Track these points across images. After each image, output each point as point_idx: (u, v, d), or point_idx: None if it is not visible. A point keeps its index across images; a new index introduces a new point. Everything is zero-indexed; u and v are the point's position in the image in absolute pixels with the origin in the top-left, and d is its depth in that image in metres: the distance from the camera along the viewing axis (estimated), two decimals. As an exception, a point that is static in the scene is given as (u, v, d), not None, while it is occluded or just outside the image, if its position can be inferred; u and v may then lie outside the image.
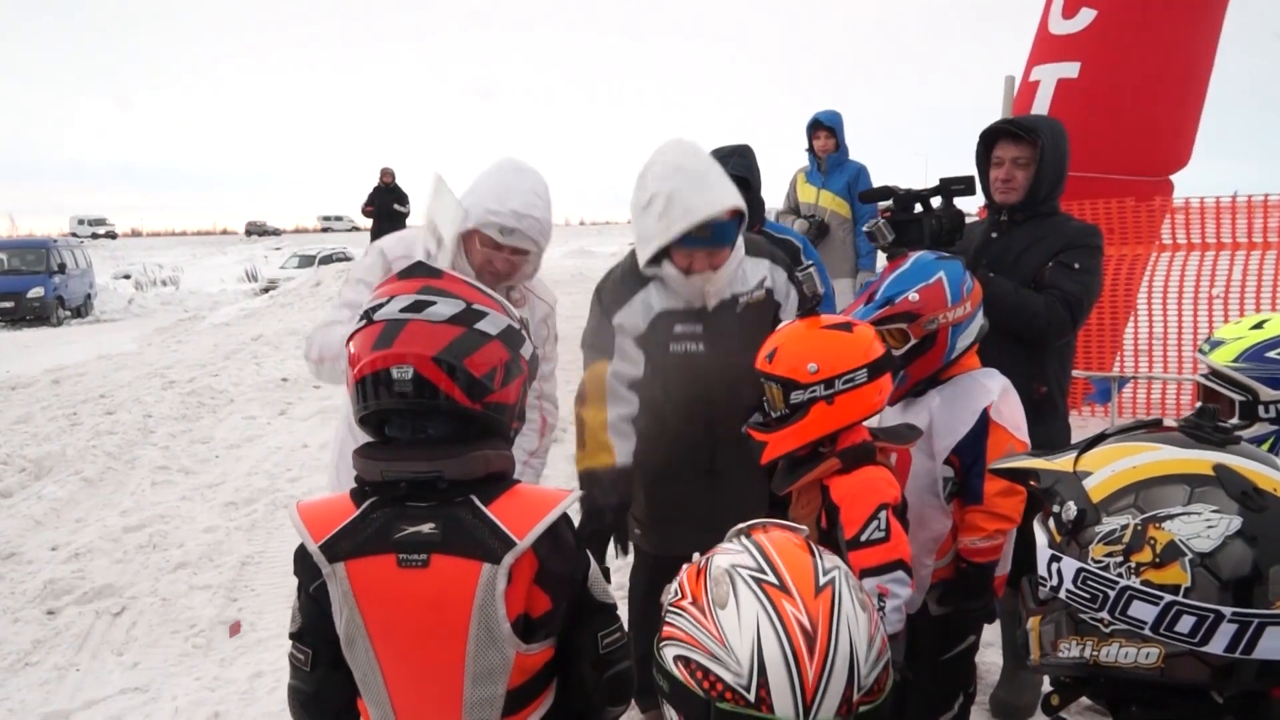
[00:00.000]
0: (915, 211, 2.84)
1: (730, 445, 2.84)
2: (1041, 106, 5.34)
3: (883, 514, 2.05)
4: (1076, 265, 2.94)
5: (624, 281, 2.80)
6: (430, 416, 1.53)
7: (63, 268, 21.06)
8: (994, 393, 2.46)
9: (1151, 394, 6.50)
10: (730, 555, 1.22)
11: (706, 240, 2.61)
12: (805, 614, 1.11)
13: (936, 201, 2.83)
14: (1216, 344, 2.18)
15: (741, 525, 1.31)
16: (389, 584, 1.47)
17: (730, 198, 2.61)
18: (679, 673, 1.14)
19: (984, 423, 2.43)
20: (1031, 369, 2.96)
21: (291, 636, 1.59)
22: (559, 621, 1.54)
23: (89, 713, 3.76)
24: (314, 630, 1.54)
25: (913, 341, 2.48)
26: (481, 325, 1.53)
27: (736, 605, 1.12)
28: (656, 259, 2.68)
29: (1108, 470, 1.15)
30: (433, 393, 1.48)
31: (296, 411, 7.83)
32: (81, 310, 21.65)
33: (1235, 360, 2.11)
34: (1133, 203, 5.72)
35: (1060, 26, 5.59)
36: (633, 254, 2.83)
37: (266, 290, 21.70)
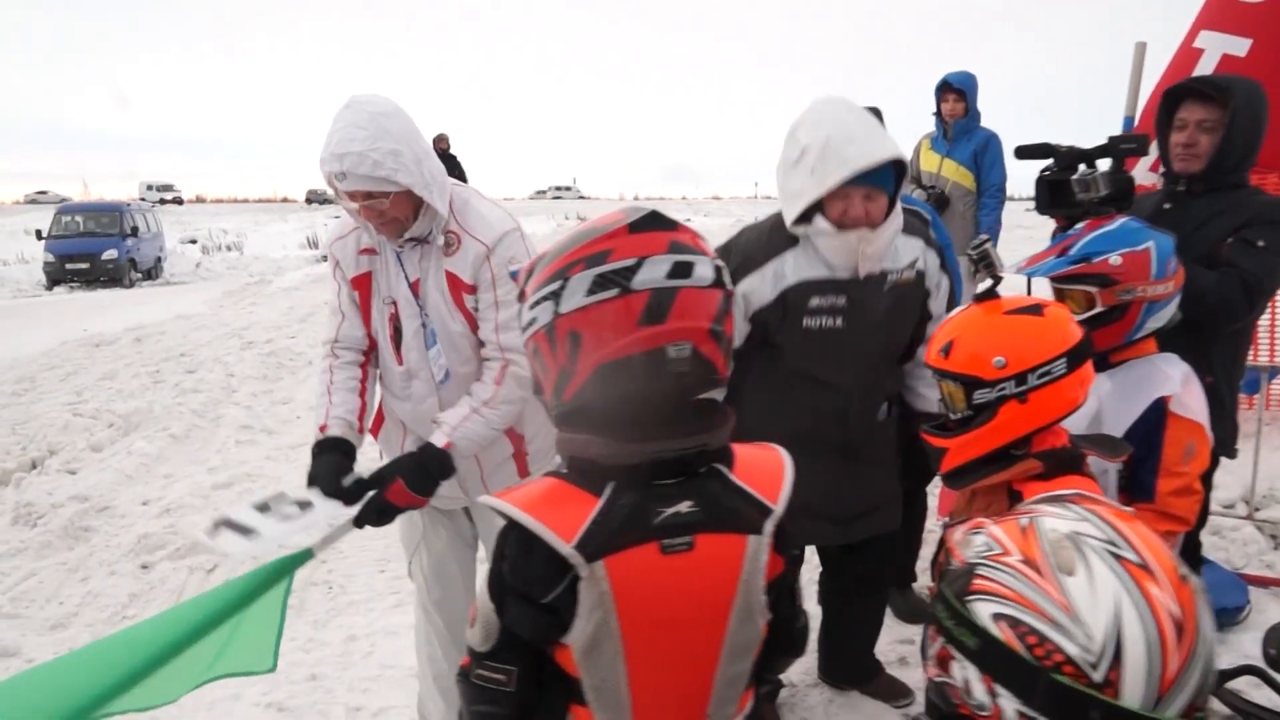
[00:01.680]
0: (1078, 172, 2.64)
1: (862, 436, 2.74)
2: (1200, 75, 4.99)
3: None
4: (1261, 243, 2.65)
5: (757, 244, 2.62)
6: (692, 388, 1.37)
7: (135, 231, 21.45)
8: (1175, 381, 2.24)
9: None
10: (1066, 520, 1.11)
11: (864, 178, 2.40)
12: (1174, 602, 1.02)
13: (1104, 165, 2.62)
14: None
15: (1050, 493, 1.20)
16: (652, 575, 1.30)
17: (890, 146, 2.42)
18: (1000, 632, 1.04)
19: (1159, 413, 2.22)
20: (1197, 357, 2.60)
21: (479, 657, 1.38)
22: (786, 581, 1.43)
23: (187, 668, 3.75)
24: (514, 644, 1.35)
25: (1097, 309, 2.25)
26: (728, 282, 1.36)
27: (1090, 575, 1.03)
28: (806, 216, 2.49)
29: None
30: (708, 368, 1.32)
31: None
32: (152, 273, 22.05)
33: None
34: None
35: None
36: (770, 218, 2.66)
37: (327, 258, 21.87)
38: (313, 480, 2.35)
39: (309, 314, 10.70)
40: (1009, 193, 6.10)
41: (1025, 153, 2.85)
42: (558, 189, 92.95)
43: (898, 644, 3.73)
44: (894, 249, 2.57)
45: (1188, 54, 5.33)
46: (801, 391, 2.64)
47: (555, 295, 1.30)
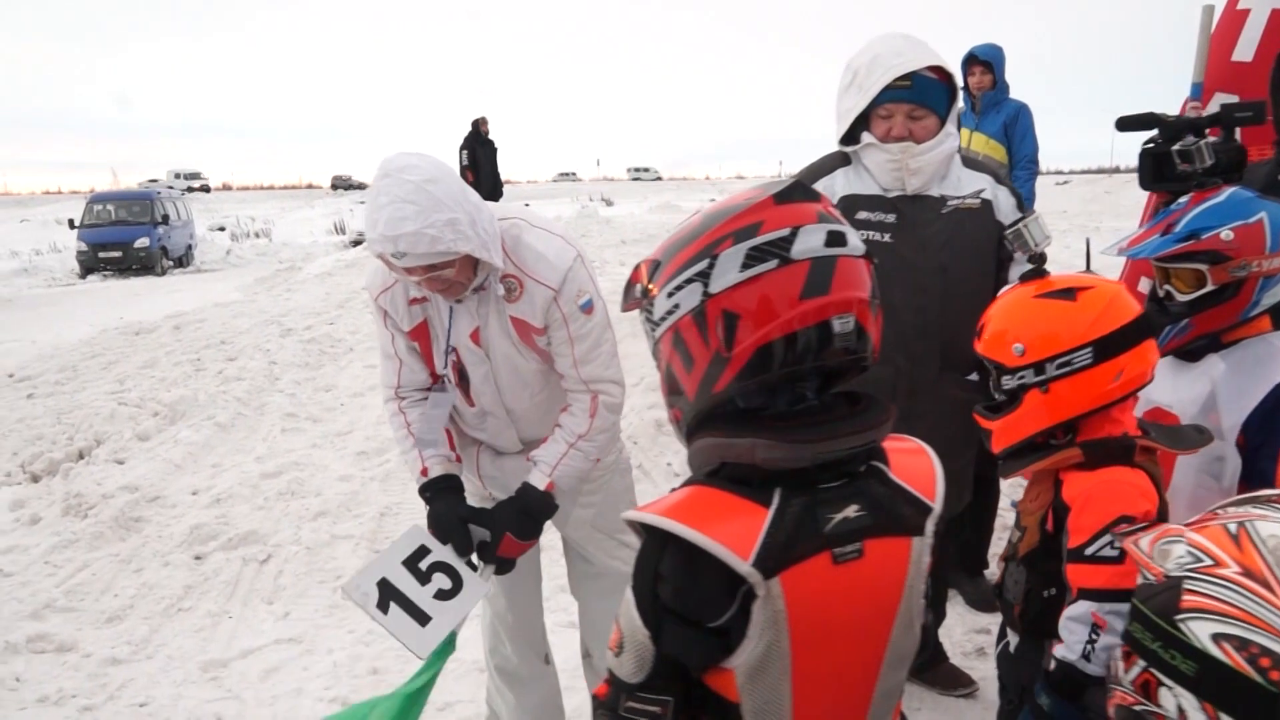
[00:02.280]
0: (1186, 142, 2.47)
1: (922, 375, 2.60)
2: (1251, 40, 4.80)
3: (1121, 528, 1.65)
4: None
5: (809, 169, 2.68)
6: (839, 375, 1.30)
7: (166, 219, 21.56)
8: None
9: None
10: None
11: (905, 94, 2.43)
12: None
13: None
14: None
15: (1263, 492, 1.11)
16: (824, 587, 1.20)
17: (937, 56, 2.45)
18: (1224, 655, 0.96)
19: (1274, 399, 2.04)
20: None
21: (630, 689, 1.25)
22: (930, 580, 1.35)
23: (246, 662, 3.70)
24: (670, 673, 1.23)
25: (1209, 288, 2.09)
26: (872, 255, 1.27)
27: None
28: (854, 135, 2.53)
29: None
30: (868, 344, 1.23)
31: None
32: (183, 260, 22.19)
33: None
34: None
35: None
36: (826, 155, 2.69)
37: (357, 243, 21.91)
38: (441, 533, 2.31)
39: (346, 300, 10.65)
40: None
41: (1128, 124, 2.66)
42: (636, 170, 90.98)
43: (973, 634, 3.62)
44: (955, 177, 2.58)
45: (1234, 16, 5.12)
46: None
47: (703, 275, 1.19)
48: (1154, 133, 2.54)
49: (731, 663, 1.21)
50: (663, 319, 1.25)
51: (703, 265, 1.20)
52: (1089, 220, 18.29)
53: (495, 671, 2.81)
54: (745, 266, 1.18)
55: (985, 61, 5.67)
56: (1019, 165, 5.76)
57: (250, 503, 5.12)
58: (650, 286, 1.26)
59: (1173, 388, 2.16)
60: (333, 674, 3.57)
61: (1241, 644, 0.94)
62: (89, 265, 20.46)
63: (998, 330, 1.82)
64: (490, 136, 13.94)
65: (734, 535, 1.16)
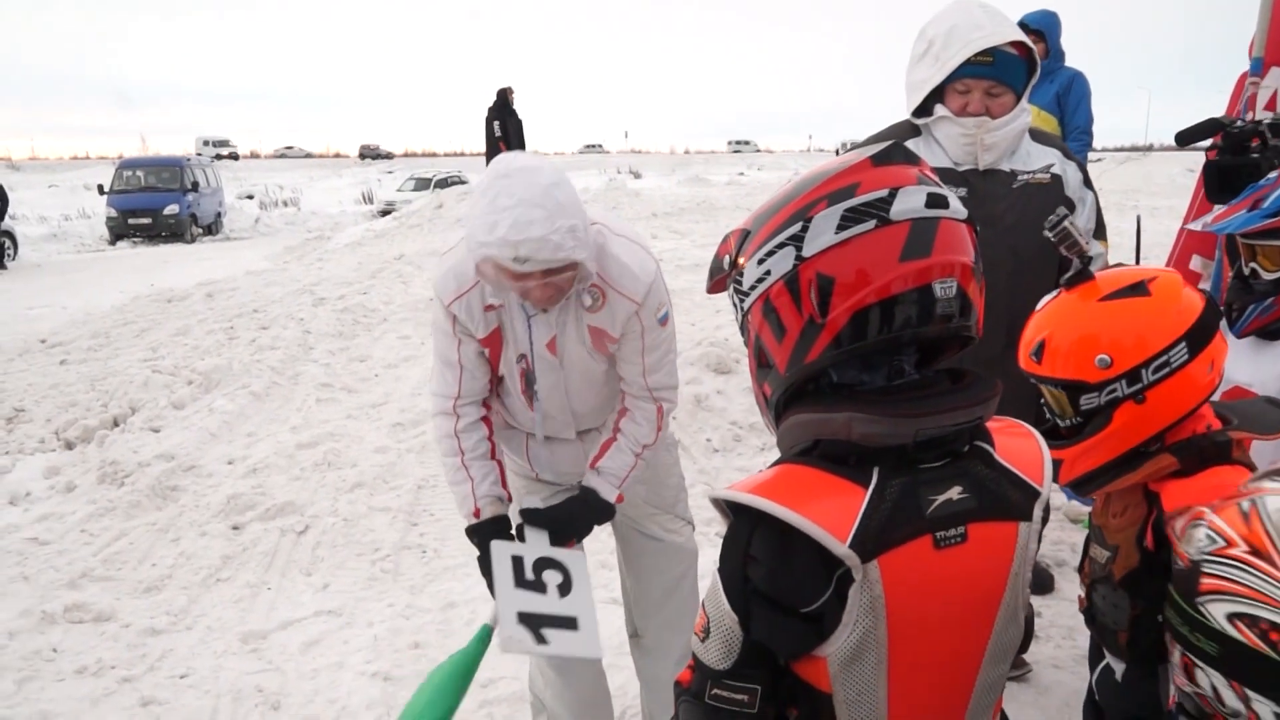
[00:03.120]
0: (1249, 152, 2.33)
1: (988, 351, 2.52)
2: None
3: None
4: None
5: (878, 138, 2.60)
6: (942, 348, 1.23)
7: (195, 186, 21.65)
8: None
9: None
10: None
11: (986, 70, 2.37)
12: None
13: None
14: None
15: (1273, 468, 1.12)
16: (924, 572, 1.13)
17: (1017, 31, 2.39)
18: (1239, 634, 0.99)
19: None
20: None
21: (717, 675, 1.19)
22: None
23: (287, 634, 3.65)
24: (759, 660, 1.17)
25: None
26: (973, 220, 1.19)
27: None
28: (927, 107, 2.47)
29: None
30: (971, 312, 1.15)
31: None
32: (212, 228, 22.29)
33: None
34: None
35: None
36: (893, 124, 2.63)
37: (385, 213, 21.91)
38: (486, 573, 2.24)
39: (379, 269, 10.57)
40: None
41: (1189, 137, 2.50)
42: (737, 143, 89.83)
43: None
44: (1025, 151, 2.53)
45: None
46: None
47: (796, 240, 1.13)
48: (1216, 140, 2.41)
49: (824, 650, 1.15)
50: (753, 287, 1.18)
51: (796, 229, 1.14)
52: (1125, 199, 17.90)
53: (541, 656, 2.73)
54: (841, 228, 1.12)
55: (1036, 30, 5.42)
56: (1071, 136, 5.54)
57: (287, 473, 5.07)
58: (739, 258, 1.20)
59: (1254, 366, 2.07)
60: (373, 648, 3.51)
61: (1253, 621, 0.98)
62: (118, 231, 20.58)
63: (1070, 344, 1.61)
64: (515, 106, 13.81)
65: (830, 515, 1.10)
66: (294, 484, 4.94)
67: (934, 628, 1.17)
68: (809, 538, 1.09)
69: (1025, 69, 2.47)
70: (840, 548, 1.09)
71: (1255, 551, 1.00)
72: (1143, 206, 15.52)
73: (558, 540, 2.24)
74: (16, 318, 10.04)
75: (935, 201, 1.14)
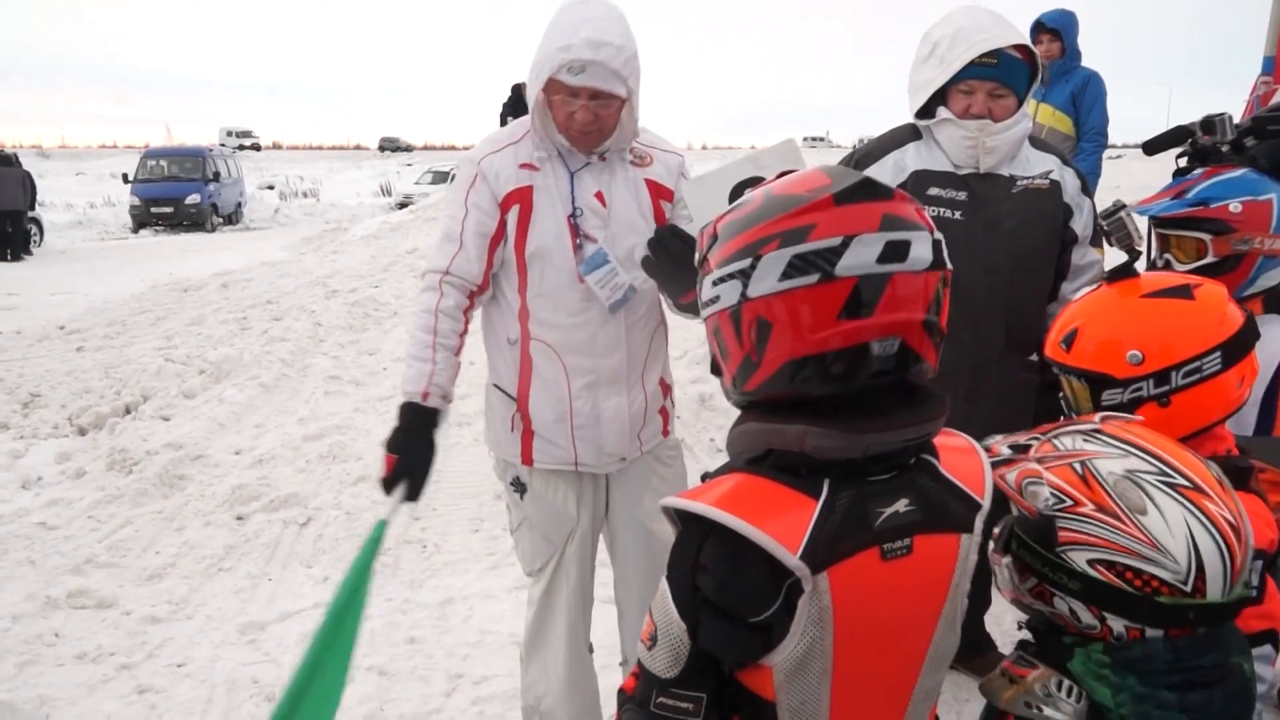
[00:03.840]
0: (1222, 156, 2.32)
1: (987, 353, 2.55)
2: None
3: (1257, 564, 1.46)
4: None
5: (878, 142, 2.63)
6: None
7: (217, 176, 21.83)
8: None
9: None
10: (1116, 459, 1.26)
11: (991, 71, 2.39)
12: (1227, 510, 1.22)
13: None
14: None
15: (1071, 426, 1.34)
16: (872, 583, 1.14)
17: (1021, 34, 2.42)
18: (1100, 575, 1.22)
19: (1275, 383, 2.00)
20: None
21: (662, 684, 1.19)
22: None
23: (285, 625, 3.68)
24: (704, 668, 1.18)
25: (1208, 259, 2.06)
26: (946, 259, 1.15)
27: (1160, 512, 1.20)
28: (929, 109, 2.48)
29: None
30: (915, 363, 1.14)
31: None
32: (233, 218, 22.47)
33: None
34: None
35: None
36: (895, 127, 2.64)
37: (403, 205, 22.02)
38: (408, 468, 2.23)
39: (391, 263, 10.64)
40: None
41: (1157, 146, 2.52)
42: (812, 139, 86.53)
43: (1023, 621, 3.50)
44: (1024, 157, 2.54)
45: None
46: None
47: (744, 275, 1.13)
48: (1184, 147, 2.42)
49: (770, 660, 1.15)
50: (706, 304, 1.20)
51: (745, 264, 1.13)
52: (1144, 194, 17.70)
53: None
54: (785, 275, 1.09)
55: (1053, 29, 5.39)
56: (1085, 137, 5.47)
57: (292, 465, 5.11)
58: (709, 256, 1.20)
59: None
60: (370, 642, 3.53)
61: (1110, 565, 1.21)
62: (141, 220, 20.78)
63: (1103, 337, 1.61)
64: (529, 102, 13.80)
65: (782, 527, 1.11)
66: (299, 476, 4.98)
67: (878, 637, 1.18)
68: (760, 549, 1.10)
69: (1028, 73, 2.48)
70: (792, 559, 1.09)
71: (1102, 509, 1.22)
72: (1164, 212, 15.36)
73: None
74: (39, 303, 10.17)
75: (891, 254, 1.09)
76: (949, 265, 1.16)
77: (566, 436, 2.37)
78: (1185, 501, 1.20)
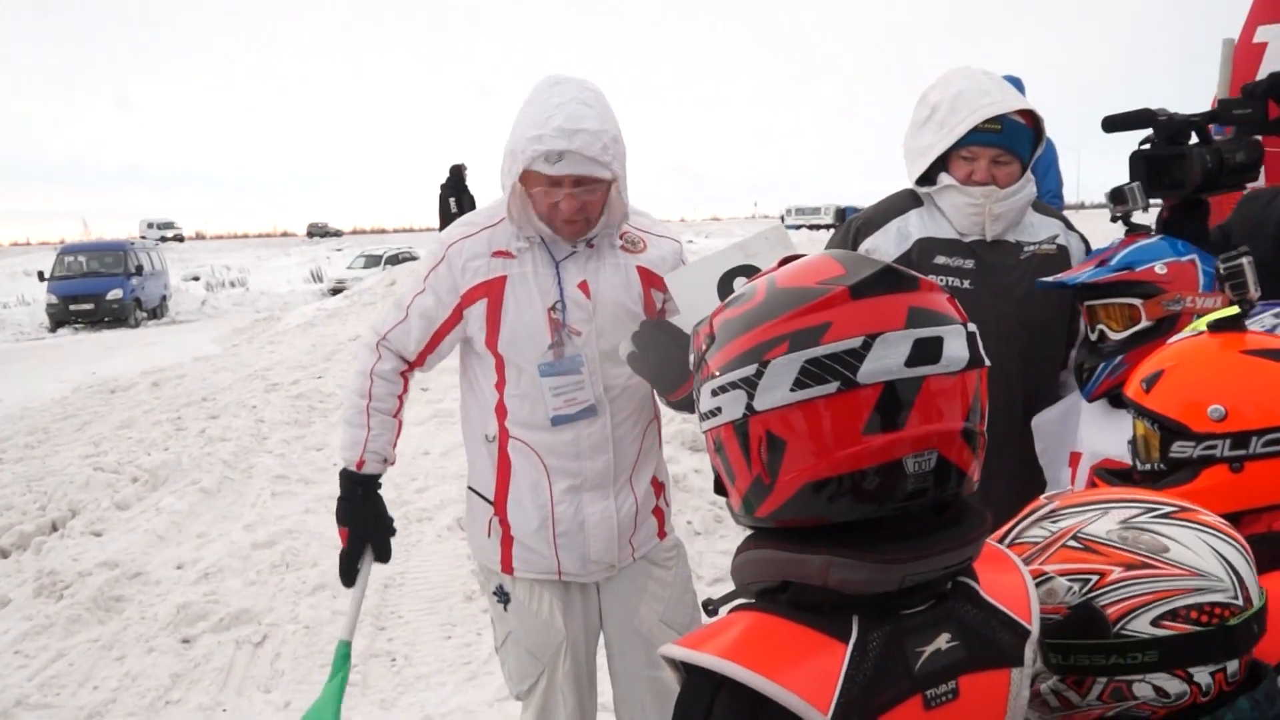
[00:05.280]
0: (1183, 144, 2.26)
1: (1002, 429, 2.35)
2: (1268, 72, 4.64)
3: None
4: None
5: (878, 209, 2.55)
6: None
7: (139, 270, 21.31)
8: None
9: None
10: (1101, 520, 1.20)
11: (995, 137, 2.31)
12: (1213, 515, 1.19)
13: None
14: None
15: (1026, 520, 1.27)
16: None
17: (1023, 99, 2.36)
18: (1173, 629, 1.12)
19: None
20: None
21: None
22: None
23: (244, 764, 3.32)
24: None
25: (1142, 325, 2.04)
26: (983, 354, 1.02)
27: (1178, 543, 1.15)
28: (930, 176, 2.39)
29: None
30: (957, 477, 1.00)
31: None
32: (158, 311, 21.93)
33: None
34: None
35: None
36: (894, 193, 2.57)
37: (336, 291, 21.66)
38: (364, 535, 2.30)
39: (333, 352, 10.28)
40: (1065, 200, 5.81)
41: (1116, 123, 2.40)
42: (796, 211, 60.55)
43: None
44: (1029, 222, 2.48)
45: (1249, 51, 5.00)
46: None
47: (748, 384, 0.98)
48: (1148, 132, 2.39)
49: None
50: (706, 416, 1.05)
51: (750, 371, 0.98)
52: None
53: None
54: (799, 385, 0.96)
55: None
56: (1044, 199, 5.60)
57: (241, 577, 4.73)
58: (706, 359, 1.05)
59: (1118, 435, 2.01)
60: (343, 776, 3.19)
61: (1174, 615, 1.12)
62: (59, 318, 20.07)
63: (1189, 385, 1.50)
64: (467, 183, 13.85)
65: (807, 680, 0.96)
66: (250, 589, 4.61)
67: None
68: (784, 708, 0.94)
69: (1032, 138, 2.43)
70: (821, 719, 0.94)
71: (1130, 566, 1.15)
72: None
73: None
74: (-52, 414, 9.55)
75: (923, 354, 0.96)
76: (987, 361, 1.02)
77: (548, 544, 2.21)
78: (1188, 524, 1.17)
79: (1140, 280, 2.04)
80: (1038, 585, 1.14)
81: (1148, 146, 2.31)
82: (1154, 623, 1.12)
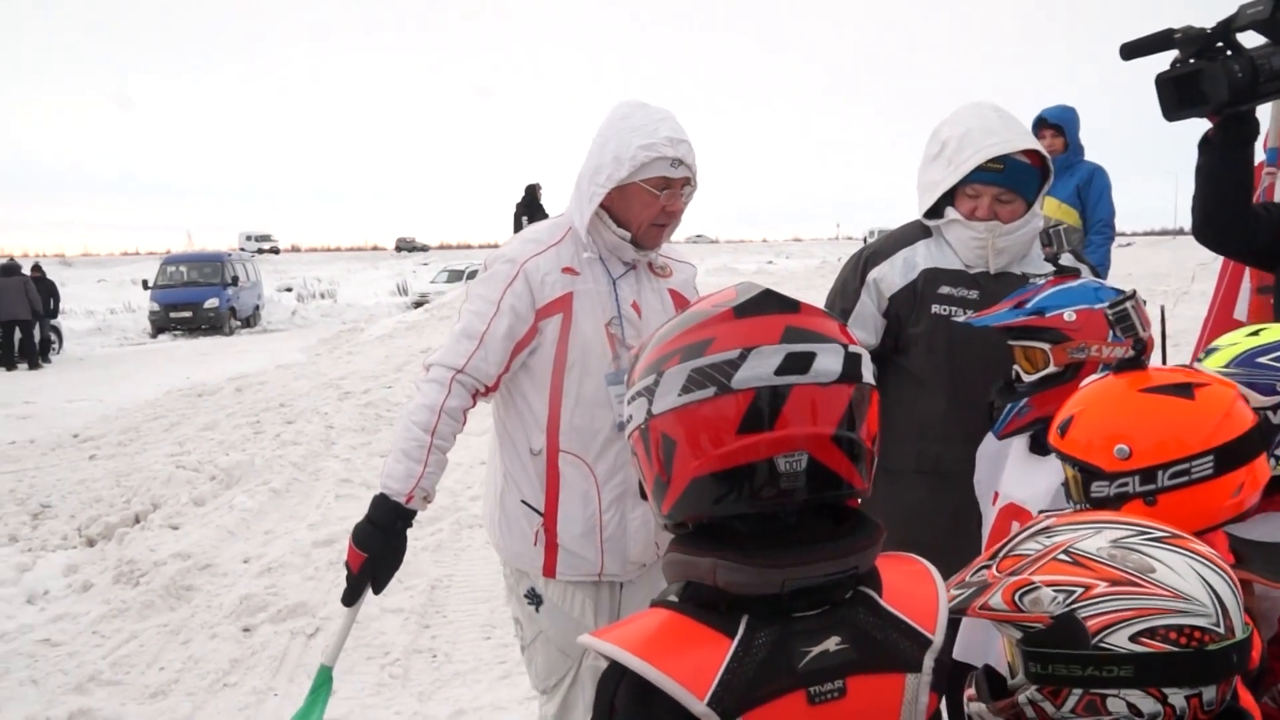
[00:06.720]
0: (1206, 58, 2.10)
1: (968, 446, 2.42)
2: None
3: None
4: None
5: (888, 239, 2.63)
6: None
7: (235, 280, 22.21)
8: None
9: None
10: (1093, 537, 1.21)
11: (997, 176, 2.37)
12: (1206, 545, 1.21)
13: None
14: (1211, 351, 1.87)
15: (1023, 534, 1.27)
16: None
17: (1030, 137, 2.43)
18: (1150, 647, 1.13)
19: None
20: None
21: None
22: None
23: (289, 745, 3.55)
24: None
25: (1050, 370, 2.03)
26: (865, 373, 1.12)
27: (1165, 565, 1.16)
28: (938, 209, 2.46)
29: None
30: (832, 483, 1.09)
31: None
32: (251, 320, 22.77)
33: (1226, 366, 1.77)
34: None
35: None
36: (905, 225, 2.64)
37: (419, 304, 22.30)
38: (378, 570, 2.26)
39: (405, 363, 10.69)
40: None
41: (1136, 49, 2.25)
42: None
43: None
44: (1035, 254, 2.52)
45: None
46: (933, 404, 2.47)
47: (649, 392, 1.11)
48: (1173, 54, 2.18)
49: None
50: (622, 426, 1.20)
51: (650, 381, 1.11)
52: (1155, 283, 17.69)
53: None
54: (685, 390, 1.08)
55: (1055, 125, 5.54)
56: (1094, 229, 5.58)
57: (301, 572, 5.02)
58: (631, 375, 1.18)
59: (1027, 481, 2.05)
60: (378, 760, 3.41)
61: (1152, 633, 1.13)
62: (160, 325, 21.09)
63: (1095, 427, 1.56)
64: (542, 202, 14.15)
65: (690, 669, 1.05)
66: (307, 584, 4.89)
67: None
68: (668, 694, 1.04)
69: (1038, 178, 2.46)
70: (698, 705, 1.03)
71: (1115, 582, 1.16)
72: (1172, 291, 15.35)
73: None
74: (54, 412, 10.22)
75: (791, 365, 1.06)
76: (869, 380, 1.12)
77: (595, 548, 2.30)
78: (1177, 549, 1.17)
79: (1048, 327, 2.04)
80: (1025, 594, 1.17)
81: (1172, 69, 2.16)
82: (1133, 639, 1.13)
